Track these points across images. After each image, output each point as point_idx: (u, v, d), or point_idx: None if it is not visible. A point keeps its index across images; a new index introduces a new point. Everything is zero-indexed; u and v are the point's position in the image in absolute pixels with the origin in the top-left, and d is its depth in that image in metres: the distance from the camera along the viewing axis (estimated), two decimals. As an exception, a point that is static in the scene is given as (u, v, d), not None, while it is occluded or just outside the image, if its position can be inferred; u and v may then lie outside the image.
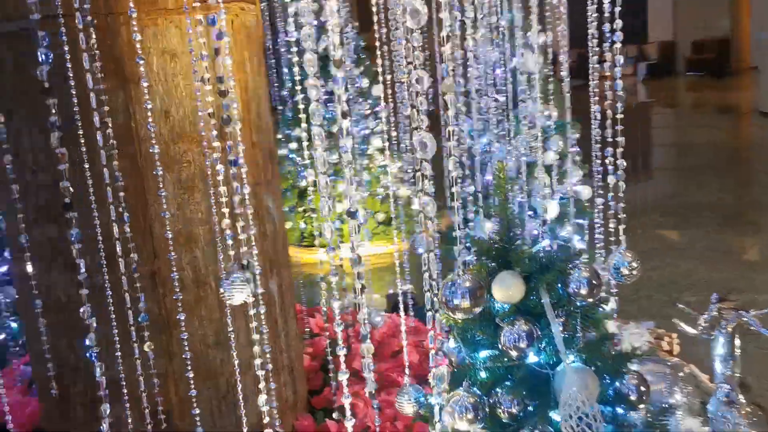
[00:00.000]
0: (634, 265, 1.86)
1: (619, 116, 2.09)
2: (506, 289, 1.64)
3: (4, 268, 3.16)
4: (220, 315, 2.53)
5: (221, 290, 1.91)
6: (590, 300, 1.68)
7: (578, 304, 1.68)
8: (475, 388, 1.68)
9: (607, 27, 2.13)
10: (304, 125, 2.24)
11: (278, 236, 2.77)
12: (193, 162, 2.41)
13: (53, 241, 2.40)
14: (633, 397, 1.75)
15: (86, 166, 2.00)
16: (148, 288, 2.44)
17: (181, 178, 2.40)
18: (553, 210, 3.48)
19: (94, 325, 1.44)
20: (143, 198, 2.37)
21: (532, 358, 1.67)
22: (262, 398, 1.80)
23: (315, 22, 1.91)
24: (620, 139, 2.10)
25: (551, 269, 1.67)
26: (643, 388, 1.75)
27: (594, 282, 1.67)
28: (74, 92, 1.99)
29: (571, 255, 1.77)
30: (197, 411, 2.31)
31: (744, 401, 2.20)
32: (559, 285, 1.68)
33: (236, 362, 2.19)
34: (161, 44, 2.31)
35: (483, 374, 1.72)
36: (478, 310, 1.41)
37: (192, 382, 2.25)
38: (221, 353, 2.52)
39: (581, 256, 2.01)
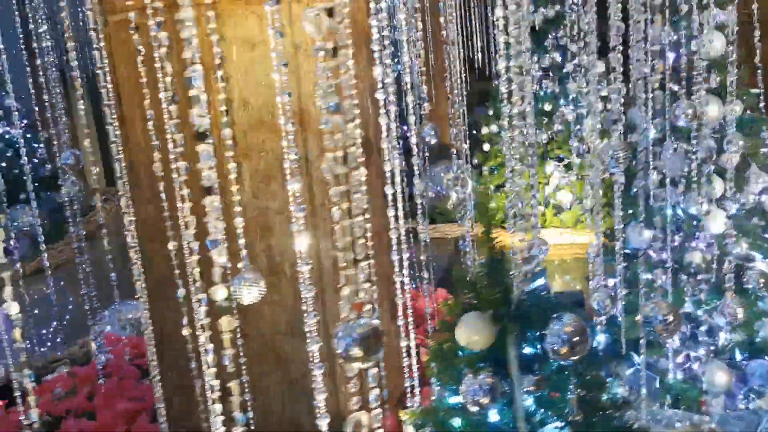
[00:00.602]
0: (670, 318, 1.50)
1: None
2: (469, 334, 1.42)
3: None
4: (293, 303, 2.55)
5: (232, 288, 1.91)
6: (573, 359, 1.39)
7: (559, 362, 1.40)
8: (439, 437, 1.49)
9: None
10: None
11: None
12: (272, 151, 2.42)
13: (149, 220, 2.58)
14: (632, 482, 1.43)
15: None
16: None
17: (258, 168, 2.43)
18: (717, 222, 2.98)
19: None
20: (220, 185, 2.43)
21: (495, 416, 1.43)
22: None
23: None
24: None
25: (527, 318, 1.41)
26: (646, 474, 1.42)
27: (576, 339, 1.38)
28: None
29: (559, 303, 1.47)
30: (251, 394, 2.36)
31: None
32: (539, 338, 1.41)
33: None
34: (241, 33, 2.33)
35: (457, 422, 1.52)
36: (376, 358, 1.24)
37: (245, 367, 2.30)
38: (292, 340, 2.54)
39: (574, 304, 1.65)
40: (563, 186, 6.49)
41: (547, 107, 6.49)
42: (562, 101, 6.49)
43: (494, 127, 6.78)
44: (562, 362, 1.40)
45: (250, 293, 1.90)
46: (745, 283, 3.11)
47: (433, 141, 2.51)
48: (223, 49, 2.36)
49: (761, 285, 3.08)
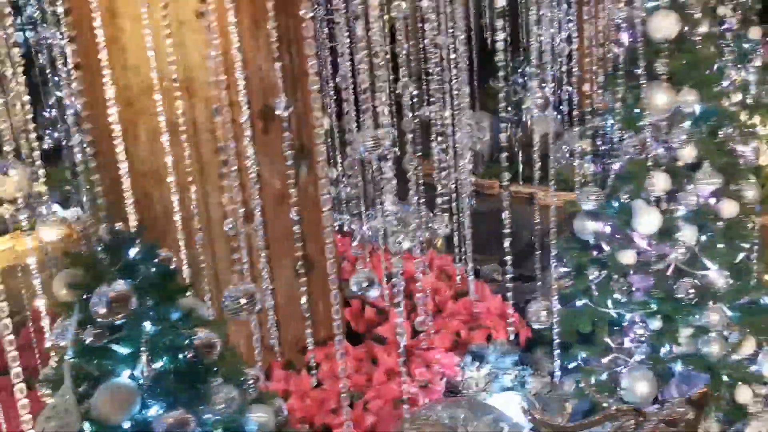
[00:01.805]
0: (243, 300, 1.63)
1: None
2: (57, 283, 1.71)
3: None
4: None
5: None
6: (114, 319, 1.61)
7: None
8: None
9: None
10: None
11: (264, 188, 2.95)
12: (157, 114, 2.78)
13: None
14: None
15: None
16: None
17: (149, 127, 2.81)
18: (648, 221, 2.78)
19: None
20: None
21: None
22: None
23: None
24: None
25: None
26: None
27: (115, 304, 1.60)
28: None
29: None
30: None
31: None
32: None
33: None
34: (131, 10, 2.68)
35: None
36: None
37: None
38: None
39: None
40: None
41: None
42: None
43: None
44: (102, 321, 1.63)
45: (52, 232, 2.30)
46: (677, 291, 2.83)
47: (285, 113, 2.68)
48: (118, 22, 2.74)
49: (691, 295, 2.78)
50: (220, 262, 2.97)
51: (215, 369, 1.78)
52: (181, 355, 1.77)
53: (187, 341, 1.77)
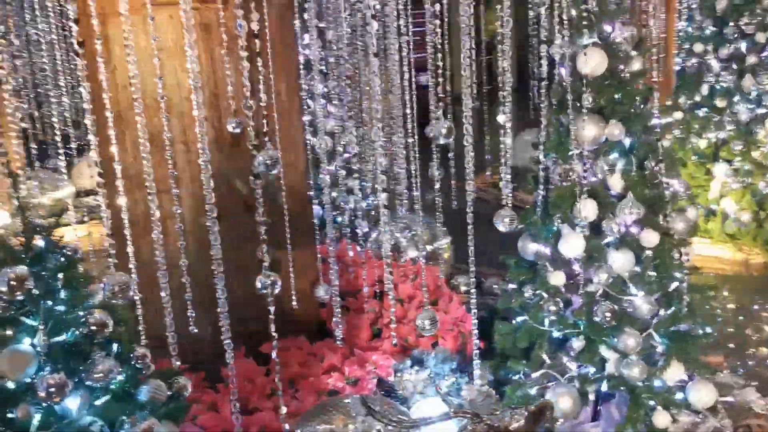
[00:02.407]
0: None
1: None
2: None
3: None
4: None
5: None
6: (14, 295, 2.01)
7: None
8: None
9: None
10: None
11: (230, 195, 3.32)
12: (142, 127, 3.20)
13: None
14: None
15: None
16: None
17: (134, 138, 3.24)
18: (571, 245, 2.96)
19: None
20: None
21: None
22: None
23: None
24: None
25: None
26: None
27: (14, 283, 1.99)
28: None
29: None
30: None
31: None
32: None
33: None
34: (119, 36, 3.11)
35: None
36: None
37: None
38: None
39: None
40: (727, 193, 5.93)
41: (720, 103, 5.90)
42: (737, 98, 5.85)
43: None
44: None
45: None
46: (595, 314, 2.97)
47: (237, 130, 3.01)
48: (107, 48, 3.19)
49: (608, 318, 2.91)
50: (191, 257, 3.36)
51: (103, 344, 2.15)
52: (77, 331, 2.16)
53: (82, 319, 2.15)
